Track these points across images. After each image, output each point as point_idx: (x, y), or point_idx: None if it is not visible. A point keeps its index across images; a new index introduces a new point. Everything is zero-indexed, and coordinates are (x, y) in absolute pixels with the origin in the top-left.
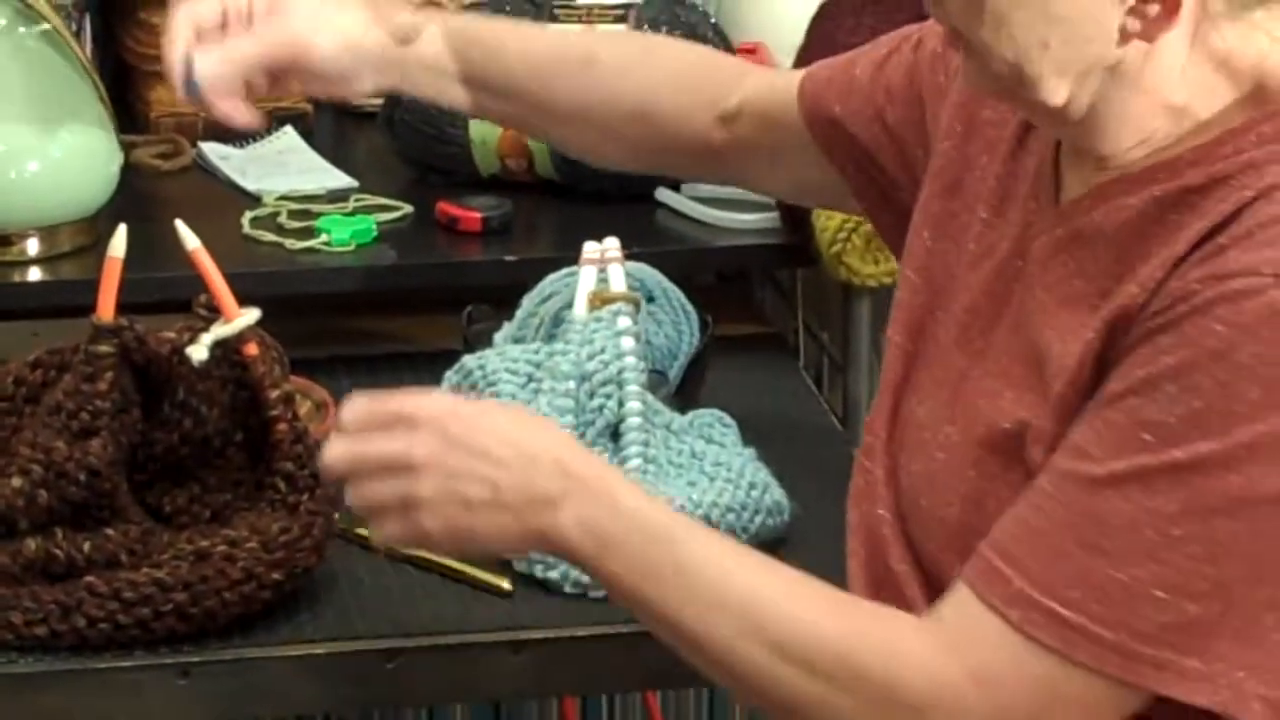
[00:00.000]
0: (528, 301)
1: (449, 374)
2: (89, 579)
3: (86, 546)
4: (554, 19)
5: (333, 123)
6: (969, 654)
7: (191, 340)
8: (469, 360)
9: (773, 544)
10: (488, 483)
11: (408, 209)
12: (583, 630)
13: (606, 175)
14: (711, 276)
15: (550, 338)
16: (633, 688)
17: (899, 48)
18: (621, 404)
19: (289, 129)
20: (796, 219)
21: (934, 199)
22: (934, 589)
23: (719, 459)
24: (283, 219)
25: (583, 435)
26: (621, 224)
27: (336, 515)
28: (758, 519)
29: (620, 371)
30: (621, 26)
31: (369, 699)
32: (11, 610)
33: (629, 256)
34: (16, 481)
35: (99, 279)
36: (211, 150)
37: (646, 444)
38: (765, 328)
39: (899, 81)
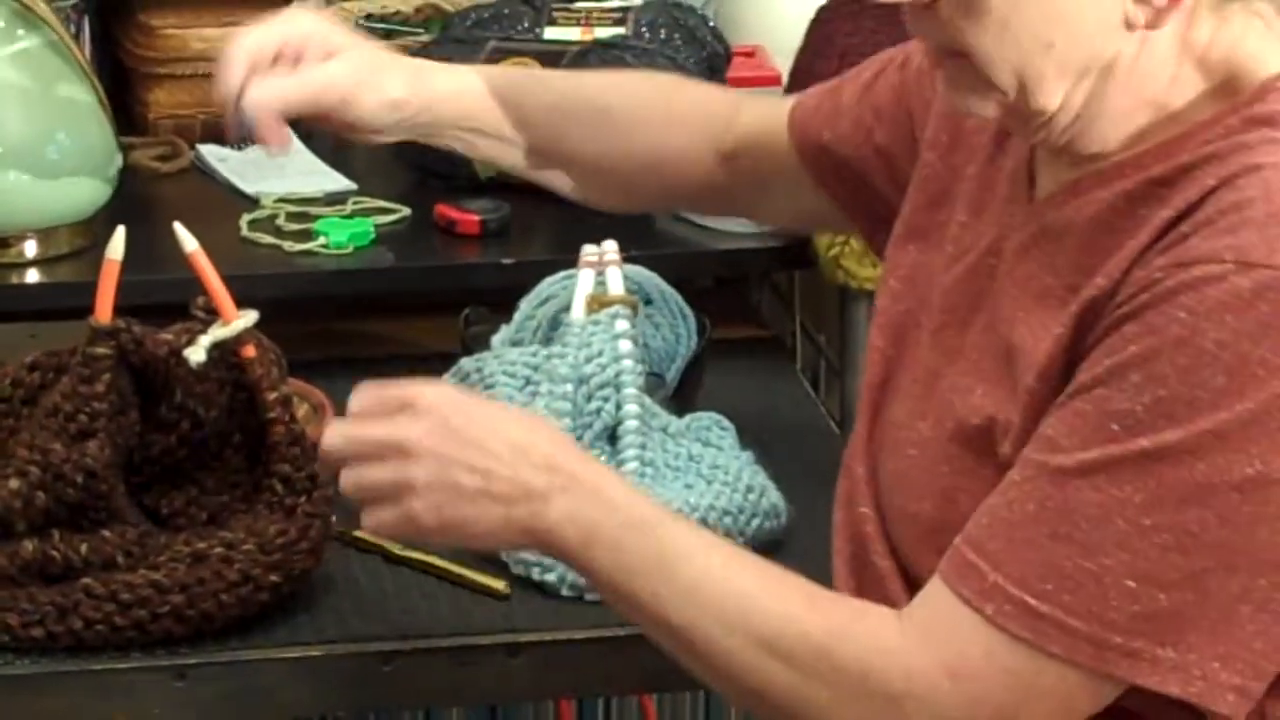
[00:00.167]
0: (525, 304)
1: (446, 376)
2: (86, 581)
3: (83, 548)
4: (552, 21)
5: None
6: (943, 646)
7: (189, 342)
8: (467, 363)
9: (770, 547)
10: (480, 472)
11: (406, 212)
12: (579, 633)
13: None
14: (709, 280)
15: (548, 340)
16: (629, 691)
17: (885, 69)
18: (619, 407)
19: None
20: None
21: (919, 211)
22: (913, 585)
23: (716, 462)
24: (281, 221)
25: (580, 438)
26: (619, 227)
27: (334, 518)
28: (755, 522)
29: (618, 374)
30: (620, 30)
31: (366, 701)
32: (8, 612)
33: (627, 259)
34: (14, 483)
35: (97, 281)
36: (210, 152)
37: (644, 447)
38: (763, 331)
39: (887, 100)
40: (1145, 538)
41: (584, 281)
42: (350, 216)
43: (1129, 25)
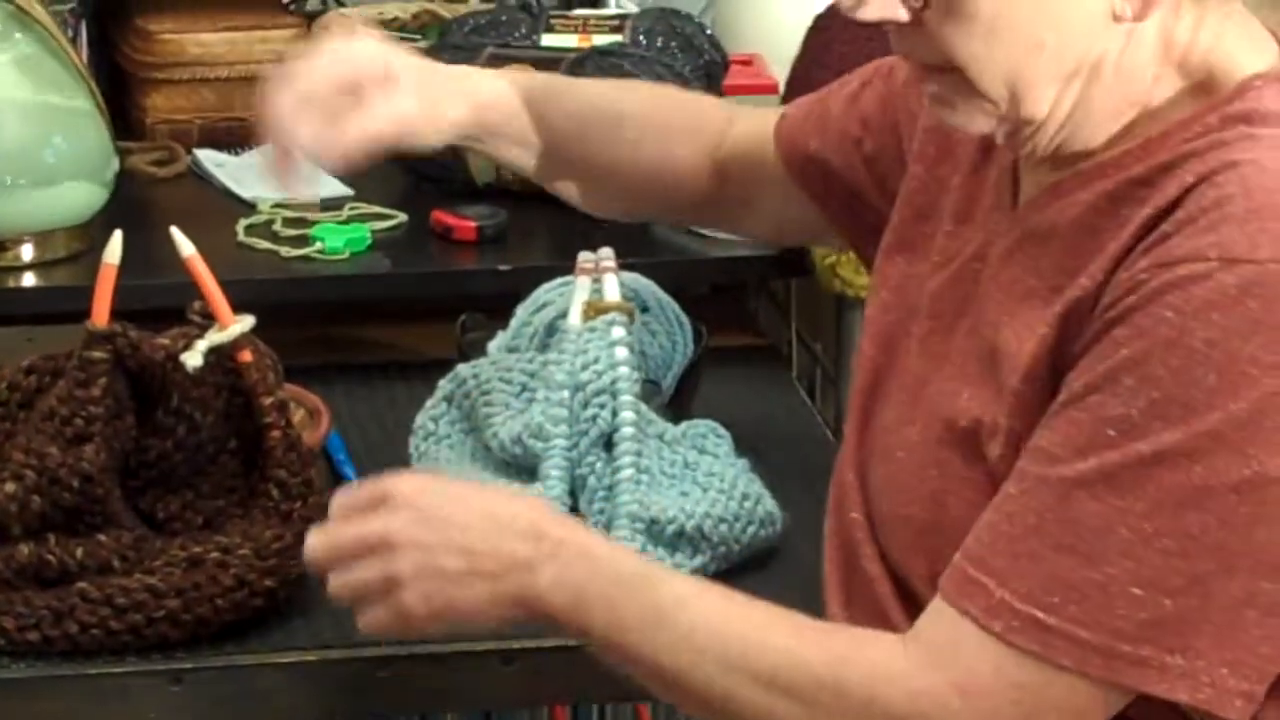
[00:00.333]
0: (522, 311)
1: (443, 382)
2: (81, 585)
3: (79, 552)
4: (549, 28)
5: None
6: (951, 665)
7: (186, 347)
8: (463, 369)
9: (764, 554)
10: (463, 552)
11: (402, 218)
12: (574, 640)
13: None
14: (705, 287)
15: (544, 347)
16: (624, 698)
17: (872, 79)
18: (615, 414)
19: None
20: None
21: (907, 224)
22: (902, 589)
23: (712, 469)
24: (277, 227)
25: (576, 444)
26: (616, 234)
27: None
28: (750, 529)
29: (614, 381)
30: (617, 37)
31: (361, 706)
32: (4, 615)
33: (623, 267)
34: (9, 487)
35: (93, 285)
36: (207, 157)
37: (640, 454)
38: (759, 339)
39: (874, 110)
40: (1148, 544)
41: (580, 288)
42: (347, 222)
43: (1116, 18)
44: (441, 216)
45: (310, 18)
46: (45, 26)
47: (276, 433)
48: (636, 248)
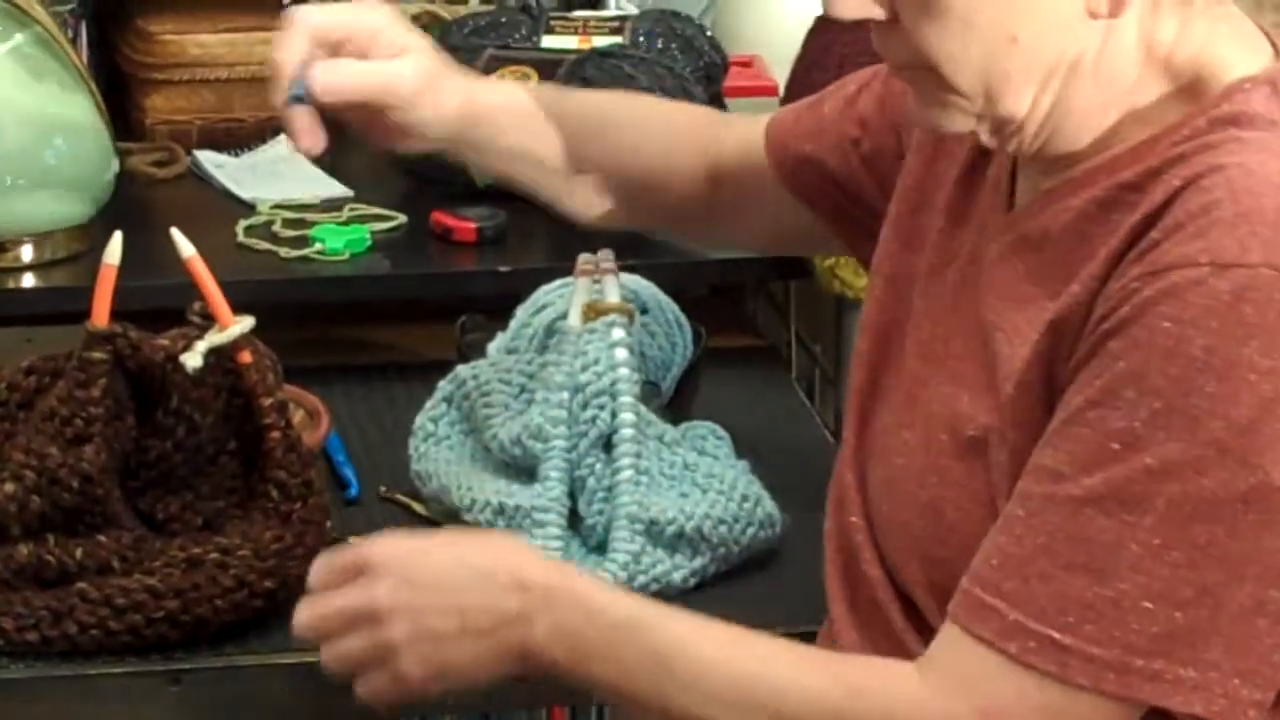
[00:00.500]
0: (522, 312)
1: (442, 384)
2: (81, 585)
3: (78, 553)
4: (550, 30)
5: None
6: (972, 692)
7: (186, 348)
8: (462, 370)
9: (764, 556)
10: (453, 612)
11: (402, 219)
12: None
13: None
14: (705, 289)
15: (544, 348)
16: None
17: (870, 82)
18: (614, 415)
19: (284, 138)
20: None
21: (903, 217)
22: (901, 593)
23: (711, 471)
24: (277, 228)
25: (575, 446)
26: (616, 236)
27: (329, 524)
28: (749, 531)
29: (613, 383)
30: (617, 39)
31: (360, 708)
32: (3, 616)
33: (623, 268)
34: (9, 487)
35: (93, 286)
36: (206, 158)
37: (639, 455)
38: (758, 340)
39: (872, 111)
40: (1157, 558)
41: (580, 290)
42: (347, 223)
43: (1091, 14)
44: (441, 218)
45: None
46: (45, 27)
47: (276, 434)
48: (636, 249)
